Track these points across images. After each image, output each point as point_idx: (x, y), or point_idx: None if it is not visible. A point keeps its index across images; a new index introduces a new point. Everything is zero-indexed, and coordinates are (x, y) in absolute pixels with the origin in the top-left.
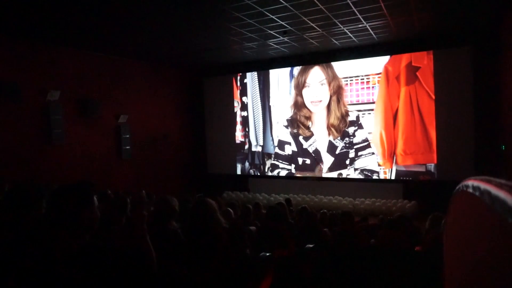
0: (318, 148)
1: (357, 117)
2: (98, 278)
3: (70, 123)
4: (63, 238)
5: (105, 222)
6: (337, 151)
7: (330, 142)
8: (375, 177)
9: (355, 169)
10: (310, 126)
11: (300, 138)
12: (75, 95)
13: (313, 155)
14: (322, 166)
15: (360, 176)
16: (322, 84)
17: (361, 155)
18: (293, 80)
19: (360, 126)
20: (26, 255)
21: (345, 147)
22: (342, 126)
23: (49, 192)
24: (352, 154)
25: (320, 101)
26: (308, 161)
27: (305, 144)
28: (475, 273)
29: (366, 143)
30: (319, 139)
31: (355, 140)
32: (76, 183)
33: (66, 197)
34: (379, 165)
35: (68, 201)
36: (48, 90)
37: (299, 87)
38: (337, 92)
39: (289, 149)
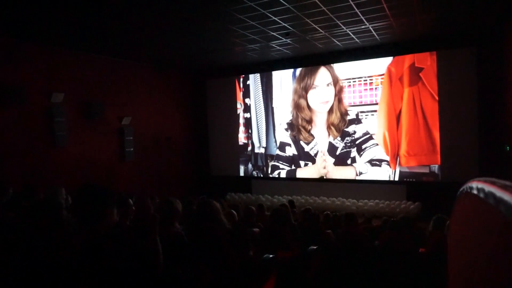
0: (319, 150)
1: (357, 115)
2: (102, 278)
3: (74, 125)
4: (72, 238)
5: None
6: (338, 152)
7: (330, 143)
8: (384, 165)
9: (364, 162)
10: (310, 129)
11: (301, 142)
12: (78, 98)
13: (315, 158)
14: (324, 155)
15: (370, 167)
16: (328, 85)
17: (365, 148)
18: (298, 82)
19: (359, 121)
20: (34, 251)
21: (345, 147)
22: (342, 125)
23: (54, 194)
24: (353, 153)
25: (327, 101)
26: (310, 164)
27: (307, 148)
28: (479, 275)
29: (368, 136)
30: (320, 141)
31: (356, 135)
32: (98, 188)
33: (91, 200)
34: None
35: (92, 203)
36: (52, 93)
37: (306, 88)
38: (339, 93)
39: (290, 151)
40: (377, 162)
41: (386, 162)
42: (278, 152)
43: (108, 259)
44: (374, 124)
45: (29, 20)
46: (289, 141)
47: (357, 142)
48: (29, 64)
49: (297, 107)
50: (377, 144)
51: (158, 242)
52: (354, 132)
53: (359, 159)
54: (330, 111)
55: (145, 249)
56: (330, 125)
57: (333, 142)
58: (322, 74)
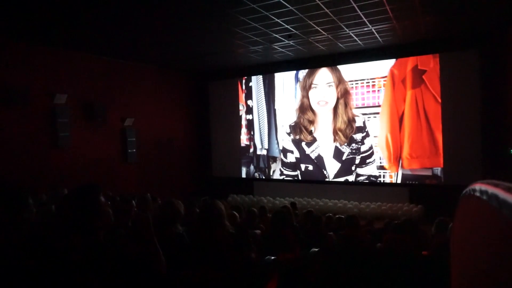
0: (321, 154)
1: (364, 122)
2: (105, 280)
3: (77, 126)
4: (72, 240)
5: (111, 225)
6: (344, 157)
7: (336, 148)
8: (378, 181)
9: (359, 175)
10: (312, 131)
11: (303, 144)
12: (81, 99)
13: (316, 161)
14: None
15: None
16: (329, 86)
17: (368, 163)
18: (299, 83)
19: (368, 134)
20: (33, 257)
21: (351, 153)
22: (349, 131)
23: (56, 195)
24: (358, 160)
25: (327, 102)
26: (310, 168)
27: (308, 150)
28: (482, 277)
29: (371, 151)
30: (323, 145)
31: (362, 148)
32: (84, 186)
33: (75, 202)
34: (384, 168)
35: (78, 206)
36: (55, 94)
37: (306, 88)
38: (344, 96)
39: (291, 157)
40: (373, 179)
41: (379, 179)
42: (282, 157)
43: (108, 263)
44: (377, 127)
45: (32, 22)
46: (291, 146)
47: (362, 155)
48: (32, 66)
49: (301, 108)
50: (374, 160)
51: (156, 244)
52: (363, 143)
53: (359, 171)
54: (335, 115)
55: (144, 252)
56: (337, 130)
57: (340, 147)
58: (322, 74)
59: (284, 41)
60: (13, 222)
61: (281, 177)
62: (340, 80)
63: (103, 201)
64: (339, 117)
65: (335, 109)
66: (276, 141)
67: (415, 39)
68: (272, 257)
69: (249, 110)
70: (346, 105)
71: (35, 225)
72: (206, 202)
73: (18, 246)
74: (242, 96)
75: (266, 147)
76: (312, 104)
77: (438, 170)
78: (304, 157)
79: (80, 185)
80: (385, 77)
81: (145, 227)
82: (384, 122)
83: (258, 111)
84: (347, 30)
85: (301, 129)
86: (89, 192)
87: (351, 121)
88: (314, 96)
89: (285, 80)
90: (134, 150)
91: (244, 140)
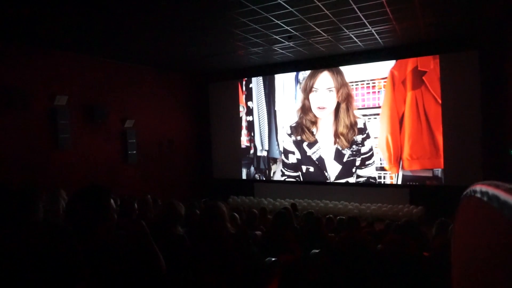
0: (322, 156)
1: (364, 124)
2: (106, 282)
3: (77, 128)
4: (74, 242)
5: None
6: (345, 159)
7: (337, 149)
8: (378, 182)
9: (359, 176)
10: (314, 132)
11: (304, 145)
12: (82, 100)
13: (317, 163)
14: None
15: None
16: (330, 91)
17: (368, 164)
18: (301, 84)
19: (368, 136)
20: (32, 256)
21: (352, 155)
22: (351, 135)
23: (53, 197)
24: (358, 162)
25: (324, 108)
26: (311, 169)
27: (309, 152)
28: (483, 278)
29: (371, 152)
30: (324, 146)
31: (363, 150)
32: (94, 188)
33: (87, 204)
34: (384, 169)
35: (90, 207)
36: (56, 95)
37: (307, 91)
38: (347, 100)
39: (293, 158)
40: (373, 180)
41: (378, 181)
42: (283, 158)
43: (109, 264)
44: (377, 128)
45: (32, 24)
46: (292, 147)
47: (362, 156)
48: (32, 67)
49: (302, 108)
50: (374, 161)
51: (156, 249)
52: (363, 144)
53: (359, 172)
54: (337, 119)
55: (144, 254)
56: (339, 134)
57: (340, 149)
58: (324, 78)
59: (284, 42)
60: (20, 225)
61: (282, 178)
62: (341, 85)
63: (113, 205)
64: (341, 122)
65: (336, 112)
66: (276, 143)
67: (415, 40)
68: (273, 259)
69: (249, 112)
70: (348, 109)
71: (38, 227)
72: (209, 204)
73: (21, 247)
74: (242, 98)
75: (267, 149)
76: (313, 108)
77: (438, 171)
78: (305, 159)
79: (89, 186)
80: (385, 78)
81: (142, 234)
82: (384, 123)
83: (258, 112)
84: (347, 31)
85: (303, 129)
86: (101, 195)
87: (353, 125)
88: (314, 100)
89: (285, 82)
90: (135, 152)
91: (244, 141)
